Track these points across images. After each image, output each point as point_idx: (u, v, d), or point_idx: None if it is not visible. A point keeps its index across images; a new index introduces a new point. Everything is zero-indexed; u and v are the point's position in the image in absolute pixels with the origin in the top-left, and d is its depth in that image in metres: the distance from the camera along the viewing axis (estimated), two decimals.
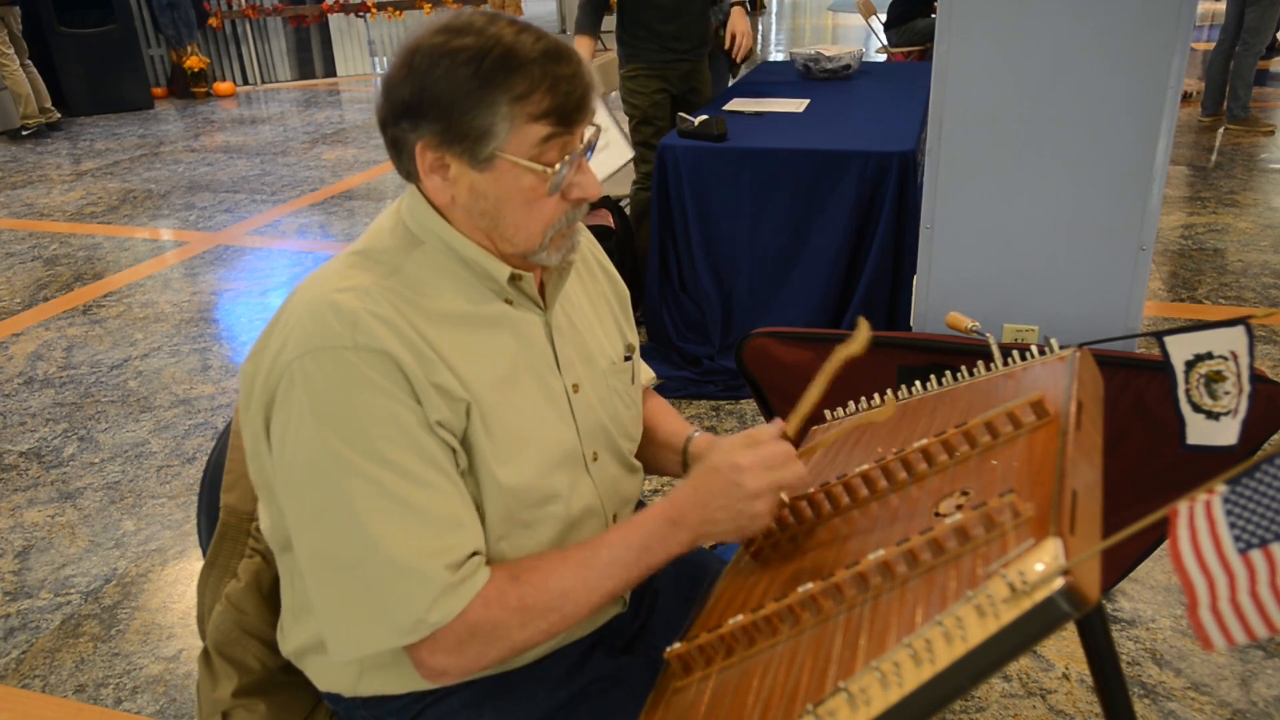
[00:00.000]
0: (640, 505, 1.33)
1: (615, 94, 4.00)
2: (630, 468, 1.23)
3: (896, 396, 1.25)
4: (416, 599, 0.95)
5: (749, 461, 1.00)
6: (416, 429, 0.97)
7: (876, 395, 1.26)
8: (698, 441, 1.30)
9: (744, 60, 4.23)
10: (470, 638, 0.97)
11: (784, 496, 1.03)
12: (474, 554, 0.99)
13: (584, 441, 1.13)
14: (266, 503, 1.08)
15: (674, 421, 1.35)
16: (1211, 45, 6.67)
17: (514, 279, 1.07)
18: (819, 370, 1.06)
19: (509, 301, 1.09)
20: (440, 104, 0.97)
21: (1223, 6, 6.45)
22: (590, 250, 1.27)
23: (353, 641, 0.98)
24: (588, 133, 1.03)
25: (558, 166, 1.00)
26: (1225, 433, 1.11)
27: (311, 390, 0.96)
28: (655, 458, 1.33)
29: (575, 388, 1.13)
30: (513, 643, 1.00)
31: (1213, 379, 1.08)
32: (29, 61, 7.33)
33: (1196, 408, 1.11)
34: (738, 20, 4.04)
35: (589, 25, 3.74)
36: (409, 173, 1.05)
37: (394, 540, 0.95)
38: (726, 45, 4.03)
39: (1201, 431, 1.13)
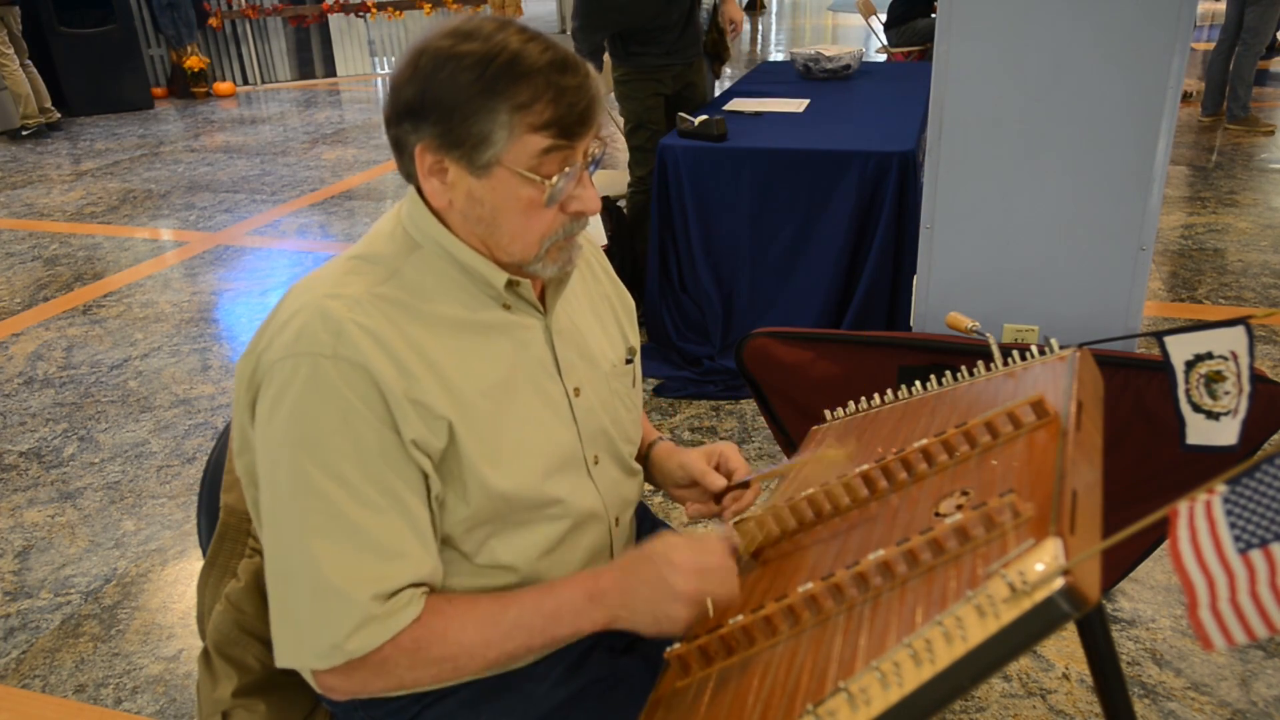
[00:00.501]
0: (642, 506, 1.33)
1: (612, 95, 4.00)
2: (630, 471, 1.23)
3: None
4: (336, 624, 0.95)
5: (685, 562, 0.98)
6: (376, 452, 0.97)
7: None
8: (660, 448, 1.31)
9: (725, 60, 4.30)
10: (361, 664, 0.97)
11: (709, 607, 0.98)
12: (409, 587, 0.98)
13: (585, 445, 1.13)
14: (248, 492, 1.08)
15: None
16: (1211, 45, 6.67)
17: (511, 285, 1.07)
18: (795, 464, 1.06)
19: (507, 307, 1.08)
20: (441, 107, 0.97)
21: (1223, 6, 6.45)
22: (591, 253, 1.27)
23: (283, 652, 0.99)
24: (591, 146, 1.03)
25: (555, 179, 0.99)
26: (1225, 433, 1.11)
27: (284, 393, 0.96)
28: None
29: (577, 391, 1.13)
30: (399, 680, 0.99)
31: (1213, 379, 1.08)
32: (29, 61, 7.32)
33: (1196, 408, 1.11)
34: (734, 9, 4.09)
35: None
36: (409, 173, 1.05)
37: (328, 558, 0.95)
38: (727, 33, 4.09)
39: (1201, 431, 1.12)
